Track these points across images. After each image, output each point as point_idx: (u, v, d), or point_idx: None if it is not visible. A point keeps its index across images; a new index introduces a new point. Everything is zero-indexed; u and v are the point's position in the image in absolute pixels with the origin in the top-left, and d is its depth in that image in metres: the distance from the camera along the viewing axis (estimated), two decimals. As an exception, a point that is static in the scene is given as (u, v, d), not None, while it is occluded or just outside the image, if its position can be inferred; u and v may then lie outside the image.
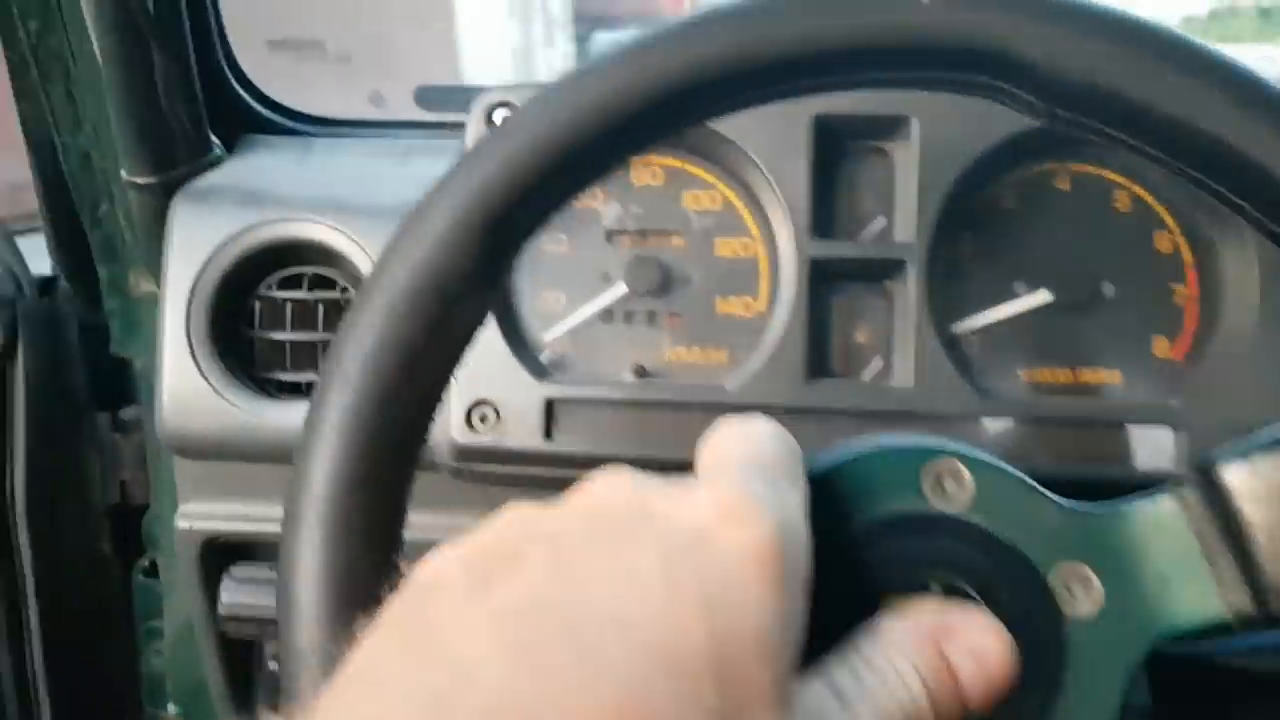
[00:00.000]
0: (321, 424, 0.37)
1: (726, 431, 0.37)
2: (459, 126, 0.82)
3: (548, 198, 0.39)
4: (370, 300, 0.38)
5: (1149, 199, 0.67)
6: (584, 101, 0.38)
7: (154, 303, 0.92)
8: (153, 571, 1.01)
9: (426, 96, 0.90)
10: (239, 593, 0.59)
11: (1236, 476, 0.35)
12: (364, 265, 0.73)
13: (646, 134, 0.40)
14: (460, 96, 0.84)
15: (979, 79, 0.38)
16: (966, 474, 0.38)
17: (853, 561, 0.37)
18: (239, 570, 0.60)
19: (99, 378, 1.01)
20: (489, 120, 0.68)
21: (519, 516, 0.31)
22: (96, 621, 1.03)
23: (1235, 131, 0.35)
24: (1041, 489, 0.38)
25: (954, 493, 0.38)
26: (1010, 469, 0.38)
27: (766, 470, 0.34)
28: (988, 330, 0.67)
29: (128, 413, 1.01)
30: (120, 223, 0.90)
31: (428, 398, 0.39)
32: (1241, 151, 0.35)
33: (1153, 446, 0.63)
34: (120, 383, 1.02)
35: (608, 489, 0.32)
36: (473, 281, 0.38)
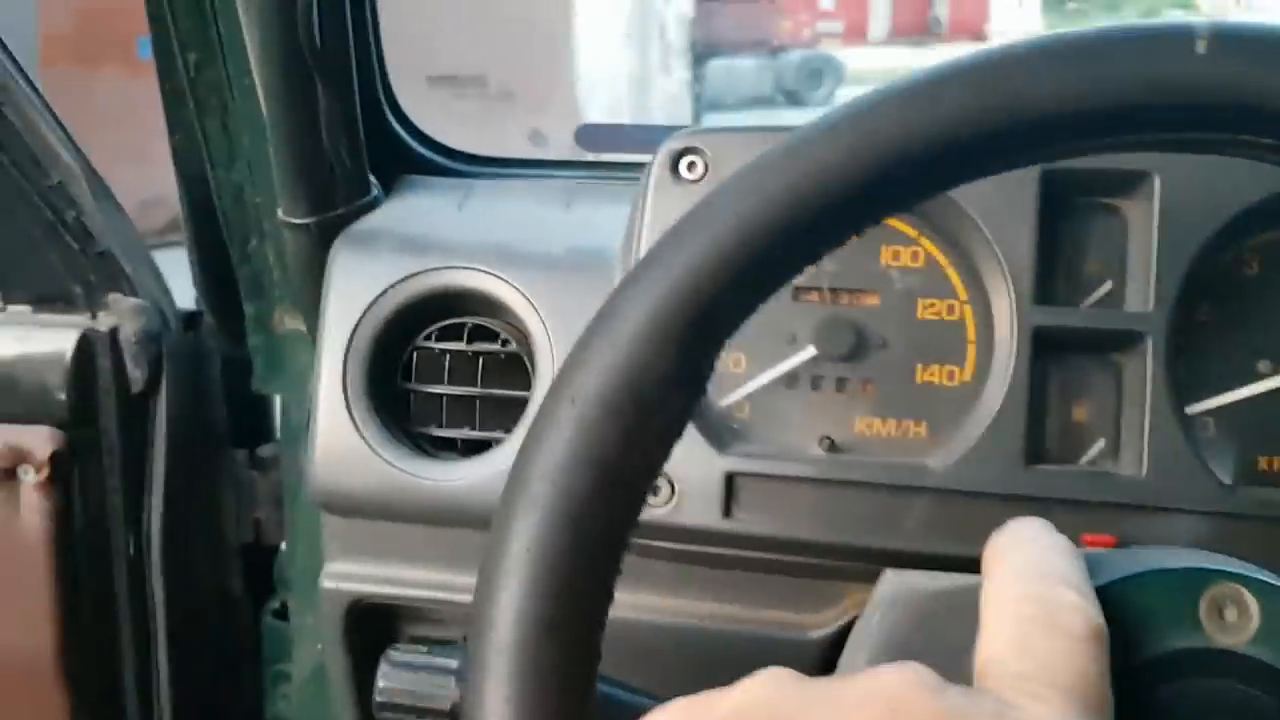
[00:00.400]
0: (505, 554, 0.33)
1: (1024, 601, 0.31)
2: (624, 167, 0.77)
3: (756, 288, 0.35)
4: (557, 409, 0.34)
5: None
6: (801, 174, 0.33)
7: (298, 340, 0.90)
8: (282, 614, 1.00)
9: (587, 136, 0.86)
10: (398, 679, 0.55)
11: None
12: (527, 316, 0.69)
13: (873, 211, 0.35)
14: (624, 137, 0.80)
15: (1262, 140, 0.32)
16: (1250, 600, 0.34)
17: (1128, 712, 0.32)
18: (398, 654, 0.56)
19: (237, 413, 0.99)
20: (674, 168, 0.63)
21: (779, 704, 0.27)
22: (224, 660, 1.02)
23: None
24: None
25: (1236, 623, 0.34)
26: None
27: (1081, 691, 0.29)
28: (1222, 412, 0.60)
29: (265, 450, 0.99)
30: (269, 260, 0.88)
31: (623, 519, 0.34)
32: None
33: None
34: (257, 419, 1.00)
35: (905, 696, 0.27)
36: (672, 386, 0.34)
